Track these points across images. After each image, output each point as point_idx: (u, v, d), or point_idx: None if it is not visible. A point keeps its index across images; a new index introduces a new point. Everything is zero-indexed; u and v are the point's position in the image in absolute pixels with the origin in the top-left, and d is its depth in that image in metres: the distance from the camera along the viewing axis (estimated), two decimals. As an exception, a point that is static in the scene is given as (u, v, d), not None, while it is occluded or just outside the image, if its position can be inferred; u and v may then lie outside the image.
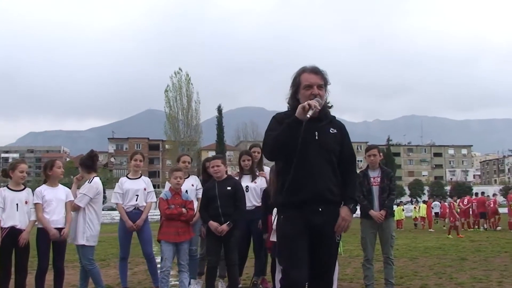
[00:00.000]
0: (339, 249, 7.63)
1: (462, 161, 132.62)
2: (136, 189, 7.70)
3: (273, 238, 6.90)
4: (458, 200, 26.97)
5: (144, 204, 7.70)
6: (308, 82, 4.13)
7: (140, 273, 9.90)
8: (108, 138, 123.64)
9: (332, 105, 4.25)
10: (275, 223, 6.81)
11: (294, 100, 4.22)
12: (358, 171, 8.29)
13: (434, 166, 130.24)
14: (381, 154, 7.78)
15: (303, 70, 4.22)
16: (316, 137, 4.08)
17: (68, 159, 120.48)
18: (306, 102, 3.95)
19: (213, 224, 7.00)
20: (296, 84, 4.20)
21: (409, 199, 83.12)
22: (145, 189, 7.76)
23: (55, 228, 6.72)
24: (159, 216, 7.54)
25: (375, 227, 7.49)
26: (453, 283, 8.52)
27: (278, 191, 4.16)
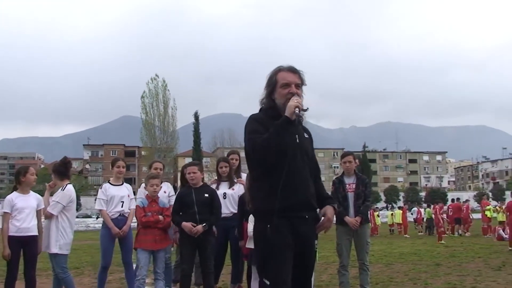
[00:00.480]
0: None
1: (437, 167, 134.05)
2: (121, 196, 7.64)
3: (249, 245, 6.88)
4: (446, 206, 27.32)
5: (129, 210, 7.64)
6: (286, 81, 3.95)
7: (114, 281, 9.79)
8: (83, 145, 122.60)
9: (307, 108, 3.97)
10: (250, 229, 6.79)
11: (269, 100, 4.02)
12: (334, 178, 8.34)
13: (409, 172, 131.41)
14: (356, 160, 7.81)
15: (279, 69, 4.04)
16: (297, 141, 3.91)
17: (42, 166, 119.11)
18: (295, 99, 3.78)
19: (186, 225, 6.88)
20: (272, 83, 4.00)
21: (385, 205, 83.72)
22: (129, 196, 7.72)
23: (26, 236, 6.61)
24: (136, 224, 7.48)
25: (351, 234, 7.50)
26: (427, 288, 8.58)
27: (262, 198, 3.89)
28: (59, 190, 6.97)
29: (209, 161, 74.70)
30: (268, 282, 3.81)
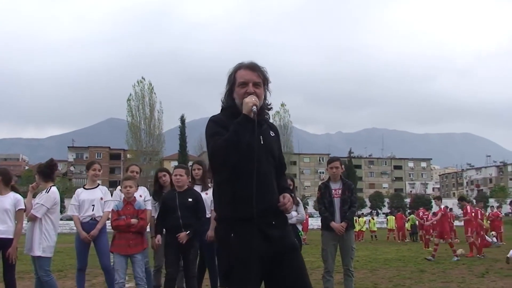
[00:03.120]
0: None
1: (422, 174, 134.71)
2: (91, 199, 7.58)
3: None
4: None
5: (101, 214, 7.57)
6: (243, 79, 3.67)
7: (98, 284, 9.71)
8: (68, 147, 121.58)
9: (272, 107, 3.83)
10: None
11: (229, 99, 3.76)
12: (320, 183, 8.34)
13: (394, 178, 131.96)
14: (343, 166, 7.81)
15: (239, 67, 3.76)
16: (262, 142, 3.64)
17: (27, 168, 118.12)
18: (249, 98, 3.53)
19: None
20: (231, 82, 3.74)
21: (370, 211, 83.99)
22: (101, 199, 7.65)
23: (2, 239, 6.51)
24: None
25: (336, 239, 7.50)
26: (412, 295, 8.60)
27: (225, 204, 3.64)
28: (43, 192, 6.90)
29: (195, 165, 74.33)
30: None
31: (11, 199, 6.79)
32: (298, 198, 7.63)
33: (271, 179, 3.68)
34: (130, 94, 68.33)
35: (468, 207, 17.18)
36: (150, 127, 67.80)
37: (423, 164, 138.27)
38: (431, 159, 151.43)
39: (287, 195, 3.69)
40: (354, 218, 15.47)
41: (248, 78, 3.67)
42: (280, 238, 3.60)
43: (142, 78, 69.47)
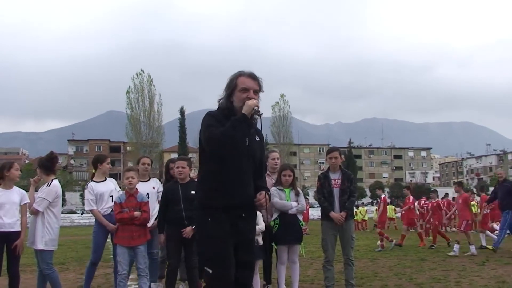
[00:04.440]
0: (301, 250, 7.69)
1: (422, 163, 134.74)
2: (110, 190, 7.57)
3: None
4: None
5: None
6: (245, 85, 4.19)
7: (99, 276, 9.75)
8: (68, 140, 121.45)
9: (262, 113, 4.22)
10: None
11: (227, 101, 4.25)
12: (319, 173, 8.35)
13: (394, 168, 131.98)
14: (342, 156, 7.82)
15: (240, 74, 4.27)
16: (247, 143, 4.13)
17: (27, 161, 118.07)
18: (253, 100, 4.06)
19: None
20: (232, 86, 4.23)
21: (370, 200, 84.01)
22: (116, 189, 7.67)
23: (8, 232, 6.56)
24: None
25: (336, 229, 7.52)
26: (412, 283, 8.65)
27: (206, 192, 4.23)
28: (45, 185, 6.92)
29: (195, 157, 74.49)
30: (210, 271, 4.08)
31: (17, 193, 6.83)
32: (298, 188, 7.63)
33: (249, 177, 4.23)
34: (129, 87, 68.18)
35: (411, 198, 17.25)
36: (150, 119, 67.67)
37: (423, 154, 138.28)
38: (431, 148, 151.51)
39: (263, 193, 4.21)
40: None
41: (250, 85, 4.19)
42: (244, 230, 4.19)
43: (141, 70, 69.26)
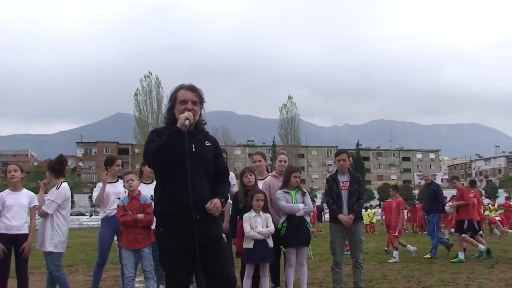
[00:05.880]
0: (309, 252, 7.70)
1: (430, 165, 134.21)
2: (117, 192, 7.67)
3: (246, 244, 6.90)
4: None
5: None
6: (184, 98, 4.39)
7: (108, 279, 9.78)
8: (77, 142, 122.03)
9: (206, 122, 4.59)
10: (247, 229, 6.79)
11: (170, 114, 4.50)
12: (327, 176, 8.35)
13: (402, 170, 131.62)
14: (350, 158, 7.82)
15: (180, 87, 4.49)
16: (193, 149, 4.29)
17: (35, 163, 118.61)
18: (184, 113, 4.24)
19: None
20: (173, 100, 4.47)
21: (378, 202, 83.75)
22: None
23: (17, 234, 6.62)
24: None
25: (344, 231, 7.53)
26: (421, 286, 8.63)
27: (157, 201, 4.43)
28: (54, 188, 6.94)
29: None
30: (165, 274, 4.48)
31: (26, 195, 6.87)
32: (304, 189, 7.63)
33: (200, 182, 4.30)
34: (137, 89, 68.55)
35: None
36: (158, 122, 67.84)
37: (432, 155, 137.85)
38: (440, 150, 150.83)
39: (214, 201, 4.30)
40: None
41: (188, 97, 4.41)
42: (203, 232, 4.21)
43: (149, 72, 69.65)
